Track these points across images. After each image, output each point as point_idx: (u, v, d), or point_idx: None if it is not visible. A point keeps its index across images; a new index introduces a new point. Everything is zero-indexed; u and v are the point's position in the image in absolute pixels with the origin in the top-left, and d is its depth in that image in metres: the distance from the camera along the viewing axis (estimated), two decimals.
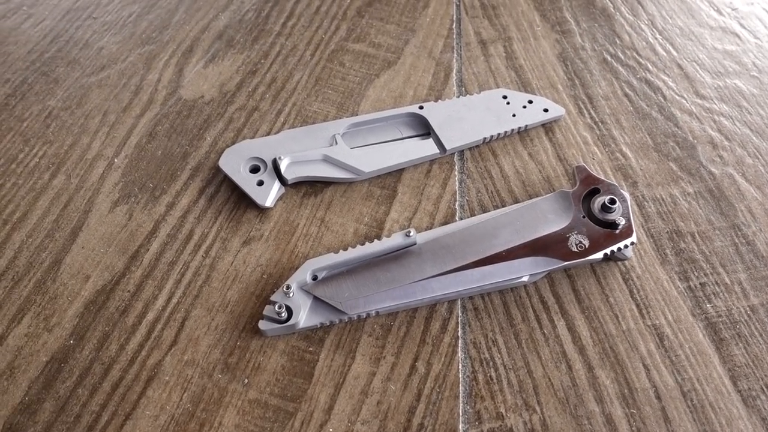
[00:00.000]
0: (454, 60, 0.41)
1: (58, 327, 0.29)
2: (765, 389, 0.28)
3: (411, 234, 0.30)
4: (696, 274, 0.32)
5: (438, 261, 0.30)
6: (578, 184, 0.32)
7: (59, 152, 0.36)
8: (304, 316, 0.29)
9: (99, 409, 0.27)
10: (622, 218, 0.30)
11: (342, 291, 0.29)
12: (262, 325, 0.29)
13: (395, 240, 0.30)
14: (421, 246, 0.31)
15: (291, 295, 0.29)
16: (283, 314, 0.28)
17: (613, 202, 0.31)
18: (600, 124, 0.38)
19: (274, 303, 0.29)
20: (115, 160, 0.36)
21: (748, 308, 0.31)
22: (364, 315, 0.29)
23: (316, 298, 0.29)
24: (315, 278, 0.30)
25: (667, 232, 0.33)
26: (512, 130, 0.37)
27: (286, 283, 0.29)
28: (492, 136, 0.37)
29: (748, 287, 0.31)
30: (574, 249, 0.30)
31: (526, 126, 0.37)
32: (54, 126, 0.37)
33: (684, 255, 0.32)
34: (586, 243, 0.30)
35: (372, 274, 0.30)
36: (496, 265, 0.30)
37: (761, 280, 0.31)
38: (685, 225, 0.33)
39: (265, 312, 0.29)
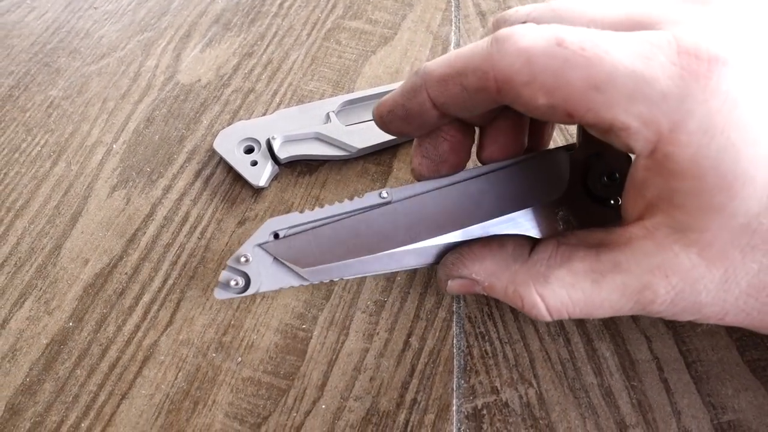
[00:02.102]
0: (453, 33, 0.41)
1: (58, 310, 0.30)
2: None
3: (385, 194, 0.27)
4: None
5: (413, 230, 0.27)
6: (580, 145, 0.28)
7: (60, 140, 0.36)
8: (263, 282, 0.26)
9: (96, 389, 0.28)
10: (619, 198, 0.26)
11: (305, 255, 0.27)
12: (218, 294, 0.26)
13: (368, 200, 0.27)
14: (396, 207, 0.27)
15: (249, 261, 0.26)
16: (240, 283, 0.26)
17: (612, 176, 0.26)
18: None
19: (230, 269, 0.26)
20: (114, 146, 0.36)
21: None
22: (327, 281, 0.27)
23: (276, 259, 0.27)
24: (276, 236, 0.27)
25: None
26: None
27: (242, 251, 0.26)
28: None
29: None
30: (561, 227, 0.26)
31: None
32: (55, 115, 0.38)
33: None
34: (575, 222, 0.27)
35: (340, 239, 0.27)
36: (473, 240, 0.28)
37: None
38: None
39: (220, 279, 0.26)
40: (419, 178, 0.28)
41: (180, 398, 0.27)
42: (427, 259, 0.27)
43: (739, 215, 0.18)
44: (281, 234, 0.27)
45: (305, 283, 0.27)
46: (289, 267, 0.26)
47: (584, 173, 0.27)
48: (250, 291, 0.26)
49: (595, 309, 0.21)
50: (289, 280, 0.27)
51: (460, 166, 0.27)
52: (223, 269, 0.26)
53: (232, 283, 0.26)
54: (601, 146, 0.26)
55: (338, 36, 0.41)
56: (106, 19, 0.43)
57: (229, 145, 0.34)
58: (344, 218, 0.27)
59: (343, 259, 0.26)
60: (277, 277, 0.27)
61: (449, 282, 0.25)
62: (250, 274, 0.26)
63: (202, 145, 0.36)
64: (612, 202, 0.26)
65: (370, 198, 0.27)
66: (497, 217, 0.27)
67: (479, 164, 0.28)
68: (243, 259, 0.26)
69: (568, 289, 0.21)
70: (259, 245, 0.27)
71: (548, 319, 0.22)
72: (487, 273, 0.24)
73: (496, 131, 0.27)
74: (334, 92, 0.38)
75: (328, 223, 0.27)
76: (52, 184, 0.34)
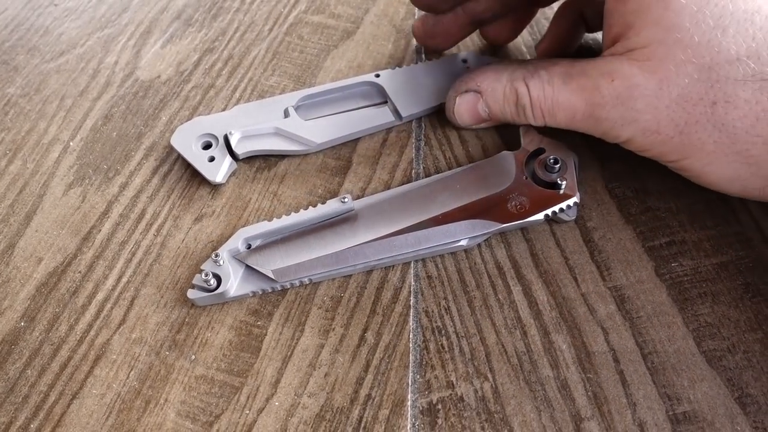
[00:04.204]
0: None
1: (9, 310, 0.29)
2: (731, 349, 0.27)
3: (346, 200, 0.30)
4: (662, 233, 0.30)
5: (373, 227, 0.29)
6: (523, 144, 0.32)
7: (16, 138, 0.36)
8: (235, 285, 0.29)
9: (47, 389, 0.27)
10: (565, 178, 0.30)
11: (274, 259, 0.29)
12: (191, 294, 0.28)
13: (330, 206, 0.30)
14: (357, 212, 0.30)
15: (221, 263, 0.29)
16: (211, 282, 0.28)
17: (555, 162, 0.30)
18: None
19: (202, 271, 0.28)
20: (71, 144, 0.35)
21: (716, 265, 0.29)
22: (297, 283, 0.29)
23: (248, 267, 0.29)
24: (249, 247, 0.30)
25: (633, 190, 0.32)
26: None
27: (215, 251, 0.29)
28: None
29: (717, 244, 0.30)
30: (514, 211, 0.29)
31: None
32: (12, 113, 0.37)
33: (650, 213, 0.31)
34: (527, 205, 0.29)
35: (305, 242, 0.29)
36: (432, 229, 0.29)
37: (731, 236, 0.30)
38: (652, 182, 0.32)
39: (194, 281, 0.28)
40: (417, 34, 0.37)
41: (131, 397, 0.27)
42: (389, 251, 0.29)
43: (674, 29, 0.24)
44: (254, 244, 0.30)
45: (277, 287, 0.29)
46: (260, 273, 0.29)
47: (530, 165, 0.31)
48: (220, 290, 0.28)
49: (558, 106, 0.28)
50: (259, 285, 0.29)
51: (449, 43, 0.37)
52: (198, 273, 0.29)
53: (204, 277, 0.28)
54: (542, 143, 0.31)
55: (300, 31, 0.41)
56: (66, 16, 0.42)
57: (186, 141, 0.33)
58: (311, 225, 0.30)
59: (311, 260, 0.29)
60: (248, 283, 0.29)
61: (457, 100, 0.32)
62: (221, 276, 0.29)
63: (160, 141, 0.35)
64: (559, 182, 0.30)
65: (333, 204, 0.30)
66: (449, 208, 0.29)
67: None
68: (215, 256, 0.29)
69: (544, 83, 0.28)
70: (233, 255, 0.29)
71: (530, 110, 0.29)
72: (490, 80, 0.30)
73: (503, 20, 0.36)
74: (296, 87, 0.37)
75: (296, 230, 0.30)
76: (7, 183, 0.34)
